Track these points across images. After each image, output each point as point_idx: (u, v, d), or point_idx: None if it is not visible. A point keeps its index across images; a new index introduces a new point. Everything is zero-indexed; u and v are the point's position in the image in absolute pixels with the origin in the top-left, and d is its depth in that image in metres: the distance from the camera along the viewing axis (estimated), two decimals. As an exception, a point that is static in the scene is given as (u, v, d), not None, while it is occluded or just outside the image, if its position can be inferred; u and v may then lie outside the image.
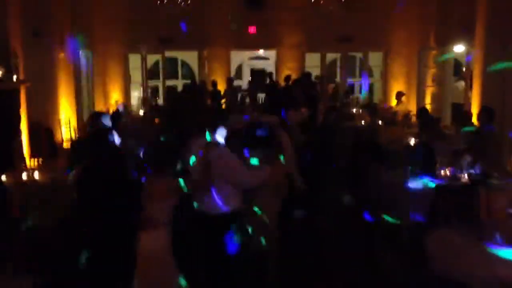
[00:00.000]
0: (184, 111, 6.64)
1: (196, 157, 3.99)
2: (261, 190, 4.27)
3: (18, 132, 8.01)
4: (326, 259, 5.32)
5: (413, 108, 12.52)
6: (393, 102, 11.62)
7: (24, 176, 5.57)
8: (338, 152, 8.26)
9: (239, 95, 13.70)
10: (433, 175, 5.54)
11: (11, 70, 7.91)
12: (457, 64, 12.31)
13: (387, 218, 4.99)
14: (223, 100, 12.88)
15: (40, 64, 9.35)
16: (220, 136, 4.09)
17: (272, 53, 15.00)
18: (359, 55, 15.44)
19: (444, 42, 11.24)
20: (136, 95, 15.14)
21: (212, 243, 3.99)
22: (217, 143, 4.05)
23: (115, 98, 13.55)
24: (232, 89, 13.18)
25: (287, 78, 11.70)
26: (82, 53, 12.19)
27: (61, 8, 10.40)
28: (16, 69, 8.10)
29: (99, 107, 12.82)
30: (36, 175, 5.65)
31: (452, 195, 4.85)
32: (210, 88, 12.76)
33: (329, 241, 5.55)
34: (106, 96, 13.65)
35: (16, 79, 8.02)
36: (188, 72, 17.01)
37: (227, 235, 3.96)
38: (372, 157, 6.08)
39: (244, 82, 16.71)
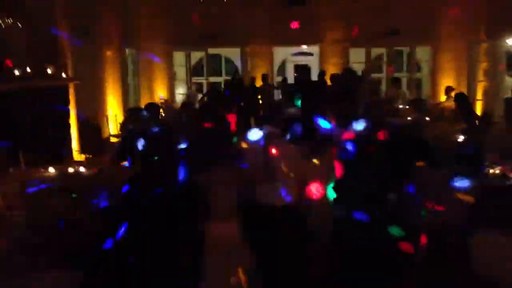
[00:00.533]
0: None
1: (256, 149, 4.02)
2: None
3: (67, 128, 8.31)
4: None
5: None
6: (442, 97, 11.23)
7: (71, 169, 5.76)
8: (379, 148, 8.08)
9: (274, 92, 13.58)
10: (481, 173, 5.32)
11: (60, 68, 8.20)
12: (510, 57, 11.77)
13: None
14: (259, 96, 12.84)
15: (88, 62, 9.64)
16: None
17: (315, 49, 14.84)
18: (405, 49, 15.04)
19: (496, 35, 10.78)
20: (180, 92, 15.36)
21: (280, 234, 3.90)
22: (278, 135, 4.09)
23: (161, 94, 13.79)
24: (266, 86, 13.08)
25: (321, 73, 11.58)
26: (128, 51, 12.48)
27: (108, 8, 10.66)
28: (65, 67, 8.39)
29: (145, 103, 13.07)
30: (82, 169, 5.83)
31: (500, 194, 4.64)
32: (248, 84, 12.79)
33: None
34: (151, 93, 13.92)
35: (65, 77, 8.31)
36: (231, 69, 17.10)
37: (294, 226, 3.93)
38: (416, 154, 5.92)
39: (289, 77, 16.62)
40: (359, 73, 12.17)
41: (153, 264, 3.62)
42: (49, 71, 7.86)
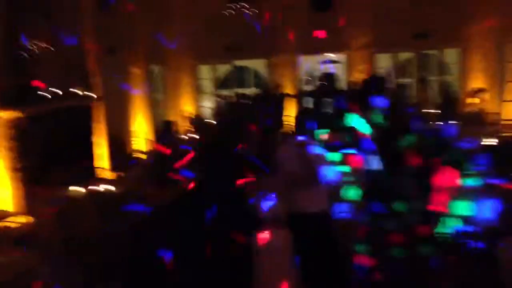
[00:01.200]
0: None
1: (293, 156, 4.15)
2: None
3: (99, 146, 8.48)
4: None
5: (493, 106, 11.76)
6: (474, 100, 10.96)
7: (101, 188, 5.87)
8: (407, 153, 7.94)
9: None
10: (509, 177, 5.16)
11: (88, 88, 8.39)
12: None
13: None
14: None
15: (115, 80, 9.84)
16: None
17: (342, 56, 14.73)
18: (435, 52, 14.75)
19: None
20: (208, 105, 15.49)
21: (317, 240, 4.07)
22: (313, 143, 4.27)
23: (187, 109, 13.93)
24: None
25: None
26: (154, 67, 12.69)
27: (133, 24, 10.88)
28: (94, 86, 8.58)
29: (173, 118, 13.24)
30: (112, 187, 5.93)
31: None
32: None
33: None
34: (178, 108, 14.09)
35: (93, 96, 8.48)
36: (259, 80, 17.14)
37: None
38: (446, 161, 5.80)
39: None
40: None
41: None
42: (78, 92, 8.05)
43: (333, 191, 4.37)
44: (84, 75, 8.21)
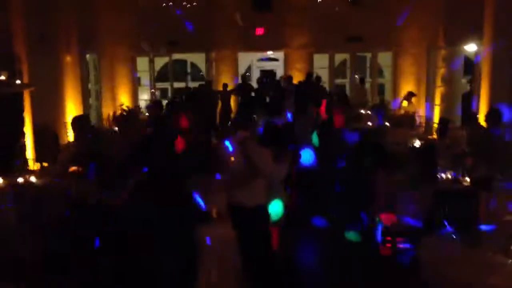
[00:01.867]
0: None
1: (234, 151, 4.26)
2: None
3: (21, 136, 8.06)
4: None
5: (422, 108, 12.32)
6: (404, 102, 11.42)
7: (21, 179, 5.58)
8: (342, 153, 8.18)
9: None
10: (434, 178, 5.41)
11: (14, 75, 7.95)
12: (467, 63, 12.06)
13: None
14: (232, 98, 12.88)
15: (46, 68, 9.40)
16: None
17: (280, 54, 14.91)
18: (369, 55, 15.28)
19: (454, 41, 11.04)
20: (144, 97, 15.18)
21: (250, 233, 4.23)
22: (253, 138, 4.33)
23: (123, 101, 13.58)
24: (246, 86, 13.05)
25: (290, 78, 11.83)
26: (89, 56, 12.26)
27: (67, 12, 10.44)
28: (20, 73, 8.14)
29: (107, 110, 12.86)
30: (33, 178, 5.65)
31: (451, 199, 4.72)
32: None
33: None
34: (114, 99, 13.70)
35: (20, 83, 8.06)
36: (197, 74, 17.03)
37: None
38: (375, 160, 6.00)
39: (254, 83, 16.65)
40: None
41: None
42: (2, 77, 7.61)
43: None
44: (10, 61, 7.76)
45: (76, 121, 8.96)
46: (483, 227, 4.09)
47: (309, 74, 12.43)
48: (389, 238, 5.03)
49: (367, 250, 5.39)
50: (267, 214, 4.36)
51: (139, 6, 11.29)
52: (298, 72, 13.57)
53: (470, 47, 10.81)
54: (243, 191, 4.19)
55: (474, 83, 10.65)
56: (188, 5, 11.88)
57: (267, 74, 16.03)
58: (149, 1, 11.08)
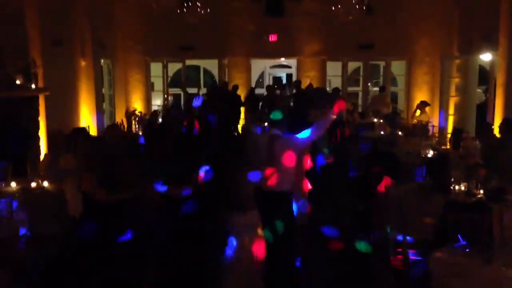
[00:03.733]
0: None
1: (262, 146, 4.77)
2: None
3: (36, 140, 8.14)
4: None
5: (436, 118, 12.22)
6: (417, 112, 11.35)
7: (33, 184, 5.62)
8: (354, 161, 8.17)
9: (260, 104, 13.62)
10: (446, 189, 5.34)
11: (30, 79, 8.05)
12: (482, 72, 11.94)
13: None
14: (242, 108, 12.93)
15: (61, 72, 9.51)
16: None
17: (293, 62, 14.92)
18: (382, 63, 15.22)
19: (468, 51, 10.95)
20: (158, 103, 15.26)
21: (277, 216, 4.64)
22: (279, 135, 4.79)
23: (136, 106, 13.67)
24: (253, 97, 13.14)
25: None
26: (103, 61, 12.37)
27: (82, 17, 10.56)
28: (35, 77, 8.23)
29: (121, 115, 12.96)
30: (46, 183, 5.70)
31: (463, 211, 4.66)
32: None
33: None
34: (127, 104, 13.80)
35: (35, 87, 8.15)
36: (210, 80, 17.10)
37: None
38: (385, 170, 5.95)
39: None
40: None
41: None
42: (18, 81, 7.71)
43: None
44: (25, 65, 7.85)
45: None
46: (496, 241, 4.02)
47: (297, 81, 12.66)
48: (400, 250, 4.99)
49: (378, 261, 5.35)
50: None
51: (153, 12, 11.38)
52: (310, 79, 13.57)
53: (485, 56, 10.71)
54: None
55: (489, 93, 10.55)
56: (202, 11, 11.95)
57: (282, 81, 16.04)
58: (163, 7, 11.17)
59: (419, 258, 4.82)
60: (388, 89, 14.08)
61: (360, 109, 13.62)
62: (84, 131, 7.48)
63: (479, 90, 11.77)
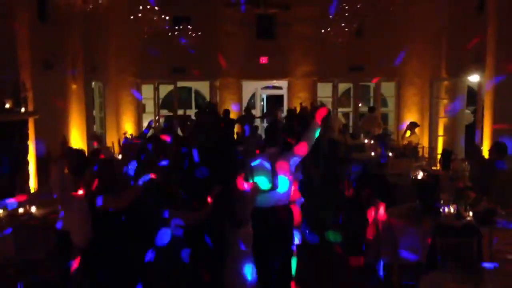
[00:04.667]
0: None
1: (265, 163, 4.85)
2: None
3: (25, 164, 8.08)
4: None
5: (425, 139, 12.30)
6: (407, 133, 11.42)
7: (21, 209, 5.56)
8: (343, 183, 8.17)
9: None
10: (436, 211, 5.35)
11: (19, 102, 8.01)
12: (470, 94, 12.07)
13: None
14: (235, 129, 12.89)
15: (51, 95, 9.48)
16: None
17: (284, 83, 15.03)
18: (372, 85, 15.36)
19: (456, 73, 11.10)
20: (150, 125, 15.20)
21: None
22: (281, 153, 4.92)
23: (127, 128, 13.64)
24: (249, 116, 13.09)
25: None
26: (94, 84, 12.37)
27: (73, 39, 10.59)
28: (24, 101, 8.20)
29: (112, 137, 12.92)
30: (33, 209, 5.64)
31: (453, 234, 4.66)
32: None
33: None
34: (119, 126, 13.78)
35: (25, 111, 8.12)
36: (202, 101, 17.14)
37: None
38: (375, 192, 5.96)
39: (258, 111, 16.81)
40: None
41: None
42: (7, 105, 7.67)
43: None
44: (15, 89, 7.83)
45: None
46: (485, 265, 4.02)
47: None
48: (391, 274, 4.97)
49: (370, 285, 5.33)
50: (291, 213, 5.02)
51: (144, 34, 11.46)
52: (301, 100, 13.64)
53: (473, 78, 10.84)
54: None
55: (477, 114, 10.65)
56: (194, 34, 12.06)
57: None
58: (154, 29, 11.26)
59: (411, 282, 4.80)
60: (378, 109, 14.20)
61: (351, 130, 13.69)
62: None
63: (467, 111, 11.89)
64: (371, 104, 14.83)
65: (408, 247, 4.85)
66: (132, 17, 10.63)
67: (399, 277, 4.99)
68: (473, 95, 12.34)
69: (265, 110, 17.28)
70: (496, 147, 6.83)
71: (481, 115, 9.72)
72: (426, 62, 13.00)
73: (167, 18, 11.10)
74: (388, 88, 14.87)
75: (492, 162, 6.71)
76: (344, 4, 11.08)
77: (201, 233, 4.64)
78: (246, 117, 12.80)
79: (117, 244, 4.17)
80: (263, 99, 17.84)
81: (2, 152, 7.29)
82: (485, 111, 9.07)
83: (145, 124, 14.78)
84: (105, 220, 4.17)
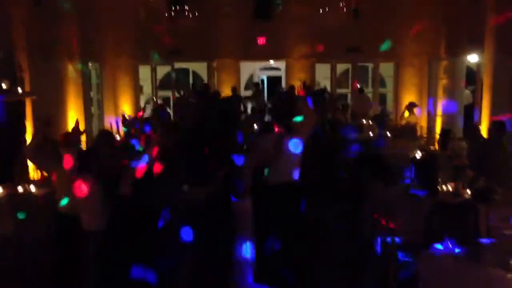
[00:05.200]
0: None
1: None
2: None
3: (23, 144, 8.08)
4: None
5: (424, 119, 12.30)
6: (406, 113, 11.40)
7: (20, 188, 5.56)
8: (341, 165, 8.16)
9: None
10: (434, 190, 5.38)
11: (16, 83, 7.99)
12: (469, 73, 12.03)
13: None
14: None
15: (48, 76, 9.43)
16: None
17: (282, 64, 14.94)
18: (371, 65, 15.29)
19: (455, 52, 11.05)
20: (147, 106, 15.17)
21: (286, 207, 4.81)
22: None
23: (125, 109, 13.58)
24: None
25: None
26: (91, 65, 12.30)
27: (69, 20, 10.49)
28: (21, 81, 8.17)
29: (109, 118, 12.88)
30: (32, 188, 5.64)
31: (450, 212, 4.69)
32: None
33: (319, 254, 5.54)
34: (116, 108, 13.72)
35: (21, 92, 8.10)
36: (200, 83, 17.05)
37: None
38: (373, 173, 5.97)
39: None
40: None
41: None
42: (3, 85, 7.64)
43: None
44: (12, 70, 7.79)
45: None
46: (483, 241, 4.05)
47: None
48: (389, 251, 5.01)
49: (367, 263, 5.36)
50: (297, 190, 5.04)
51: (141, 15, 11.34)
52: (300, 81, 13.56)
53: (472, 58, 10.81)
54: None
55: (476, 94, 10.64)
56: (190, 15, 11.95)
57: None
58: (151, 10, 11.14)
59: (408, 259, 4.84)
60: (377, 91, 14.16)
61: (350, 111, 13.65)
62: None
63: (467, 90, 11.87)
64: (370, 85, 14.80)
65: (406, 224, 4.88)
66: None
67: (397, 254, 5.03)
68: (472, 75, 12.32)
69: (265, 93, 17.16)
70: (495, 125, 6.84)
71: (480, 95, 9.71)
72: (424, 42, 12.91)
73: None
74: (386, 69, 14.80)
75: (490, 140, 6.73)
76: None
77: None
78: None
79: (133, 227, 4.14)
80: (262, 80, 17.73)
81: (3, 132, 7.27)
82: (484, 90, 9.06)
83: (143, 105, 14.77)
84: (123, 202, 4.15)
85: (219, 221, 4.55)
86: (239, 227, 4.64)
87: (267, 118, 10.85)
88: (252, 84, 13.61)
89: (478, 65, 10.39)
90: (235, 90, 13.23)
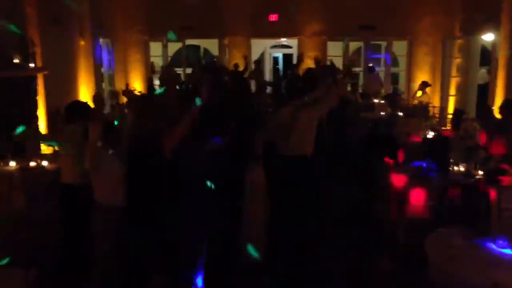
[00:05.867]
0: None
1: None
2: None
3: (35, 119, 8.14)
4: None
5: (436, 99, 12.16)
6: (418, 92, 11.28)
7: (32, 163, 5.62)
8: (353, 144, 8.12)
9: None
10: (446, 170, 5.35)
11: (28, 58, 8.00)
12: (483, 53, 11.83)
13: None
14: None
15: (59, 51, 9.43)
16: None
17: (294, 42, 14.80)
18: (384, 43, 15.09)
19: (470, 31, 10.85)
20: (157, 83, 15.15)
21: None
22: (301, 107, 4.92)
23: (136, 86, 13.57)
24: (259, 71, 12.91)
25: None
26: (102, 41, 12.27)
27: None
28: (33, 56, 8.18)
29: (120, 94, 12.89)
30: (45, 162, 5.69)
31: (462, 192, 4.67)
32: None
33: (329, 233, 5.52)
34: (127, 84, 13.71)
35: (33, 67, 8.11)
36: (209, 59, 16.97)
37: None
38: (384, 152, 5.96)
39: (267, 69, 16.62)
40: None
41: None
42: (16, 60, 7.66)
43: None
44: (23, 45, 7.79)
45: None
46: (493, 222, 4.04)
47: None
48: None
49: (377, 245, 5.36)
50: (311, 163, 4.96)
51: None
52: (312, 60, 13.45)
53: (488, 37, 10.61)
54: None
55: (491, 74, 10.48)
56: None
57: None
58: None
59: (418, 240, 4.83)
60: (389, 69, 13.99)
61: (361, 90, 13.53)
62: None
63: (483, 70, 11.67)
64: (382, 64, 14.61)
65: (416, 205, 4.88)
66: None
67: (406, 235, 5.04)
68: (487, 55, 12.12)
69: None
70: (507, 104, 6.74)
71: (495, 75, 9.56)
72: (439, 21, 12.69)
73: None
74: (399, 47, 14.59)
75: (502, 120, 6.64)
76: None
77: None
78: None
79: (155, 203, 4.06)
80: (276, 58, 17.54)
81: (12, 108, 7.32)
82: (499, 70, 8.92)
83: (154, 82, 14.76)
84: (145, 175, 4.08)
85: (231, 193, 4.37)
86: (252, 199, 4.59)
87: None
88: (257, 61, 13.47)
89: (494, 44, 10.20)
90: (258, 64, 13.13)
